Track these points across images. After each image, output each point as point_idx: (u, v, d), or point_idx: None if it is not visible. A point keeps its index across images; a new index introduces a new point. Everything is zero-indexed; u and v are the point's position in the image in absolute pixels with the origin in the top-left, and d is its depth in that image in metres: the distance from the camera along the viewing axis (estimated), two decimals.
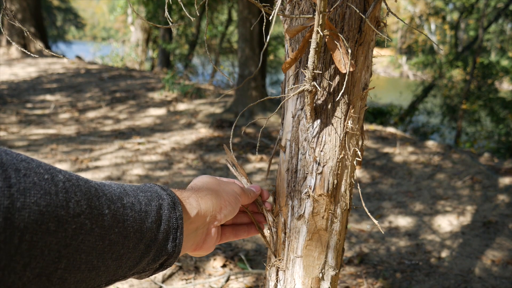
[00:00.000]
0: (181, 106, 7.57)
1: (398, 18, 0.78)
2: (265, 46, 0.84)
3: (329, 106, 0.83)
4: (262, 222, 0.91)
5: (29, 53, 0.63)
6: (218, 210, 0.75)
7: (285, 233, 0.91)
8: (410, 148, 5.77)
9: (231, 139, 0.87)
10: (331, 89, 0.83)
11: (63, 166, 4.51)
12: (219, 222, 0.76)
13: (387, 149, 5.72)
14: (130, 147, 5.34)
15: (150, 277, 2.70)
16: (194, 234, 0.72)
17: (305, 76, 0.77)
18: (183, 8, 0.68)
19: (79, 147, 5.24)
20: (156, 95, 8.19)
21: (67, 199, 0.48)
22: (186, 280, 2.68)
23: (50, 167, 0.50)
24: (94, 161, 4.75)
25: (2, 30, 0.70)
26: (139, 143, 5.52)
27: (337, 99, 0.83)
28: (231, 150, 0.92)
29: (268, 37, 0.74)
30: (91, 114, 7.00)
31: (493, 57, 16.20)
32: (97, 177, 4.28)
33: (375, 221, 0.82)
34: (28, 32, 0.66)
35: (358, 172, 4.89)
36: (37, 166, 0.48)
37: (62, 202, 0.47)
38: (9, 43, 12.62)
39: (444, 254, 3.26)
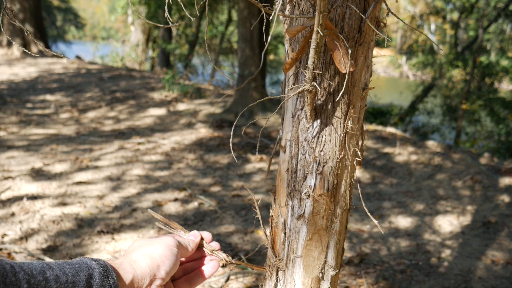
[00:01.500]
0: (181, 106, 7.58)
1: (398, 18, 0.78)
2: (266, 47, 0.84)
3: (329, 106, 0.83)
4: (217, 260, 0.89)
5: (30, 51, 0.63)
6: (156, 269, 0.73)
7: (285, 233, 0.91)
8: (410, 148, 5.78)
9: (231, 139, 0.87)
10: (331, 89, 0.83)
11: (63, 166, 4.52)
12: (163, 281, 0.74)
13: (387, 149, 5.72)
14: (130, 147, 5.34)
15: None
16: None
17: (305, 76, 0.77)
18: (183, 9, 0.69)
19: (79, 147, 5.24)
20: (156, 95, 8.20)
21: None
22: None
23: None
24: (94, 161, 4.75)
25: (2, 29, 0.70)
26: (139, 143, 5.52)
27: (337, 99, 0.83)
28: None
29: (269, 38, 0.74)
30: (91, 114, 7.00)
31: (493, 57, 16.20)
32: (97, 177, 4.28)
33: (375, 221, 0.82)
34: (28, 32, 0.66)
35: (358, 172, 4.89)
36: None
37: None
38: (9, 43, 12.62)
39: (444, 254, 3.26)
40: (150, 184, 4.20)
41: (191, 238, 0.86)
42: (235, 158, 0.81)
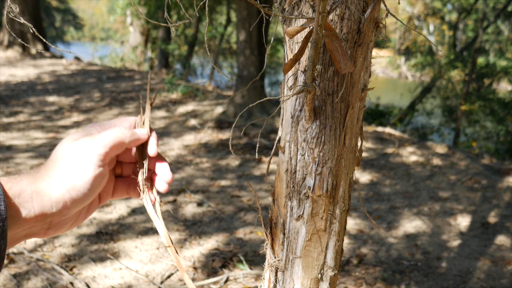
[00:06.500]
0: (181, 107, 7.57)
1: (397, 19, 0.78)
2: (268, 48, 0.84)
3: (328, 107, 0.83)
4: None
5: (34, 48, 0.63)
6: (66, 202, 0.59)
7: (284, 234, 0.92)
8: (410, 149, 5.78)
9: (230, 140, 0.87)
10: (330, 90, 0.83)
11: None
12: (71, 208, 0.60)
13: (386, 150, 5.72)
14: None
15: (149, 277, 2.69)
16: (28, 229, 0.58)
17: (304, 77, 0.77)
18: (182, 9, 0.69)
19: None
20: (156, 96, 8.20)
21: None
22: None
23: None
24: None
25: (6, 27, 0.69)
26: None
27: (336, 100, 0.83)
28: None
29: (272, 40, 0.74)
30: (90, 115, 6.99)
31: (491, 57, 16.25)
32: None
33: (374, 222, 0.82)
34: (32, 29, 0.65)
35: (357, 173, 4.89)
36: None
37: None
38: (8, 44, 12.60)
39: (443, 254, 3.27)
40: None
41: (136, 132, 0.70)
42: (236, 158, 0.80)
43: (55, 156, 0.62)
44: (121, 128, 0.69)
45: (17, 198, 0.55)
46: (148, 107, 0.76)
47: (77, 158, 0.61)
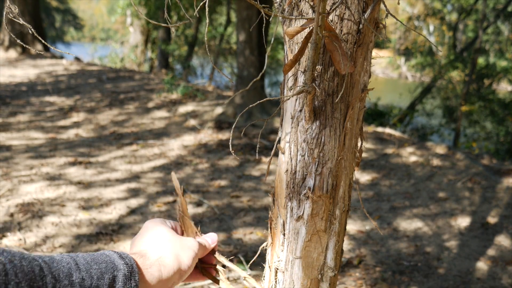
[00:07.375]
0: (181, 108, 7.57)
1: (397, 19, 0.78)
2: (268, 49, 0.84)
3: (328, 108, 0.83)
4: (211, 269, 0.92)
5: (34, 49, 0.63)
6: (179, 277, 0.77)
7: (284, 235, 0.91)
8: (409, 149, 5.78)
9: (230, 140, 0.87)
10: (330, 90, 0.83)
11: (62, 168, 4.51)
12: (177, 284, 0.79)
13: (386, 150, 5.72)
14: (129, 149, 5.33)
15: None
16: None
17: (304, 77, 0.77)
18: (182, 9, 0.69)
19: (77, 149, 5.23)
20: (156, 97, 8.20)
21: (6, 281, 0.48)
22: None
23: None
24: (92, 163, 4.74)
25: (6, 27, 0.70)
26: (138, 145, 5.52)
27: (336, 100, 0.83)
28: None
29: (272, 40, 0.74)
30: (90, 116, 6.99)
31: (491, 58, 16.24)
32: (95, 179, 4.28)
33: (374, 223, 0.82)
34: (31, 30, 0.66)
35: (357, 173, 4.89)
36: None
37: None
38: (8, 45, 12.60)
39: (443, 255, 3.27)
40: (148, 185, 4.20)
41: (207, 240, 0.89)
42: (235, 159, 0.80)
43: (164, 240, 0.78)
44: (206, 238, 0.90)
45: (149, 269, 0.71)
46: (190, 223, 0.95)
47: (182, 249, 0.79)
